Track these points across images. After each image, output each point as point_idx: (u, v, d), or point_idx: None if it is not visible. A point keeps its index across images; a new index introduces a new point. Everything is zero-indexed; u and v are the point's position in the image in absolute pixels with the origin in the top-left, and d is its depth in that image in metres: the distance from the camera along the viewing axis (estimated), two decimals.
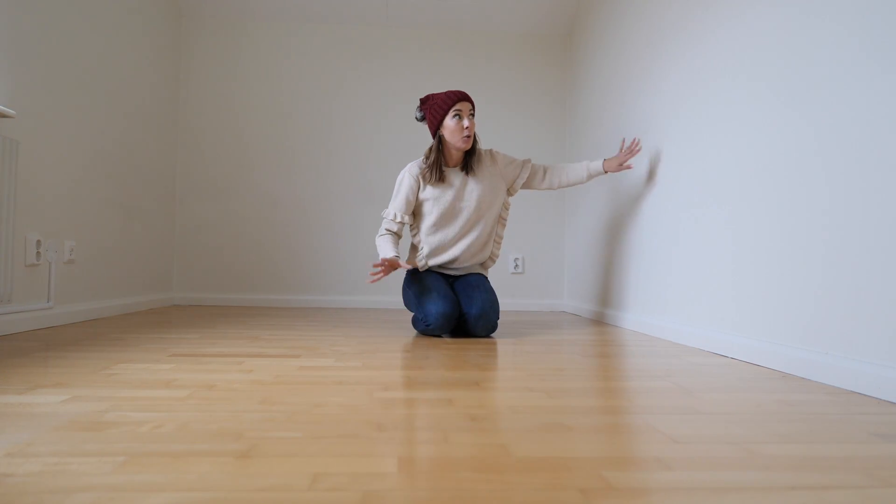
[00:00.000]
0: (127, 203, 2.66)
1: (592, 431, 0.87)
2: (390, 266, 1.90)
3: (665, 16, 2.13)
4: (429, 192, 2.06)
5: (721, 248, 1.73)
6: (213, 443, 0.77)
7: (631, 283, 2.39)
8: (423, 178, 2.06)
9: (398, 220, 2.07)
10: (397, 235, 2.09)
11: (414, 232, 2.14)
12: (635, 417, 0.96)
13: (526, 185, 2.19)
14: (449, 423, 0.90)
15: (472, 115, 1.99)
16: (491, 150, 2.14)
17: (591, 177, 2.19)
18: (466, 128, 1.96)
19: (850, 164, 1.24)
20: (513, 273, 3.37)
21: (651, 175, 2.21)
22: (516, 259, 3.37)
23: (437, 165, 2.03)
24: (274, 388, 1.12)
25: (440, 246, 2.09)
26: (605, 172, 2.17)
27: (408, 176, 2.07)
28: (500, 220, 2.17)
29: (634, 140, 2.14)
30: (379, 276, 1.88)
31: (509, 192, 2.17)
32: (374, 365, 1.41)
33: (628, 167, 2.15)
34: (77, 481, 0.63)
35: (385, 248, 2.02)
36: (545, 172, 2.19)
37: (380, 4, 3.23)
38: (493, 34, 3.40)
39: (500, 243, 2.18)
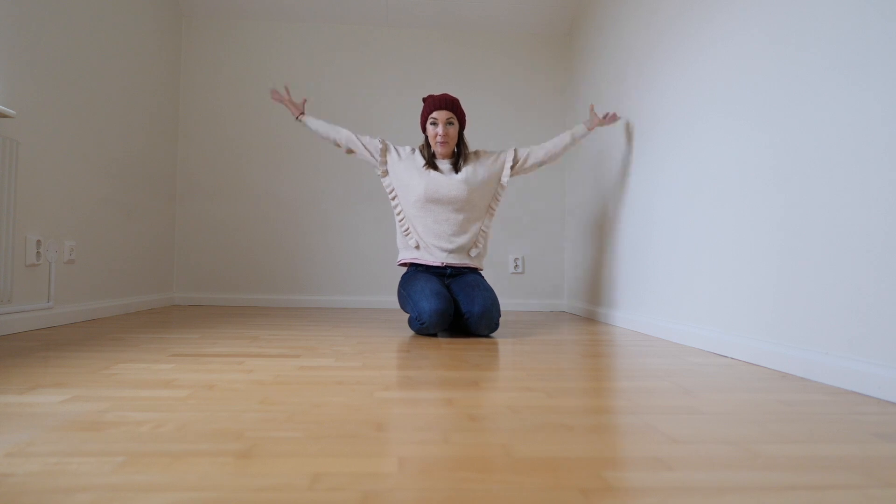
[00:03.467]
0: (127, 203, 2.66)
1: (592, 431, 0.87)
2: (287, 98, 2.36)
3: (664, 16, 2.13)
4: (411, 171, 2.18)
5: (721, 247, 1.73)
6: (213, 443, 0.77)
7: (631, 283, 2.39)
8: (411, 154, 2.23)
9: (376, 138, 2.26)
10: (349, 141, 2.26)
11: (400, 214, 2.23)
12: (635, 417, 0.96)
13: (517, 171, 2.29)
14: (449, 423, 0.90)
15: (452, 123, 2.15)
16: (476, 151, 2.29)
17: (575, 139, 2.32)
18: (438, 135, 2.13)
19: (847, 167, 1.24)
20: (513, 273, 3.37)
21: (652, 175, 2.21)
22: (516, 259, 3.37)
23: (430, 155, 2.21)
24: (274, 388, 1.12)
25: (423, 227, 2.17)
26: (590, 130, 2.34)
27: (408, 147, 2.28)
28: (489, 211, 2.25)
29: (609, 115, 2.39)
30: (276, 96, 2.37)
31: (501, 184, 2.27)
32: (374, 365, 1.41)
33: (613, 118, 2.37)
34: (77, 481, 0.63)
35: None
36: (529, 153, 2.30)
37: (380, 4, 3.23)
38: (492, 34, 3.40)
39: (486, 234, 2.24)
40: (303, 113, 2.36)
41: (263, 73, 3.31)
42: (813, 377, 1.30)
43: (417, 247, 2.18)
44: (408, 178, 2.18)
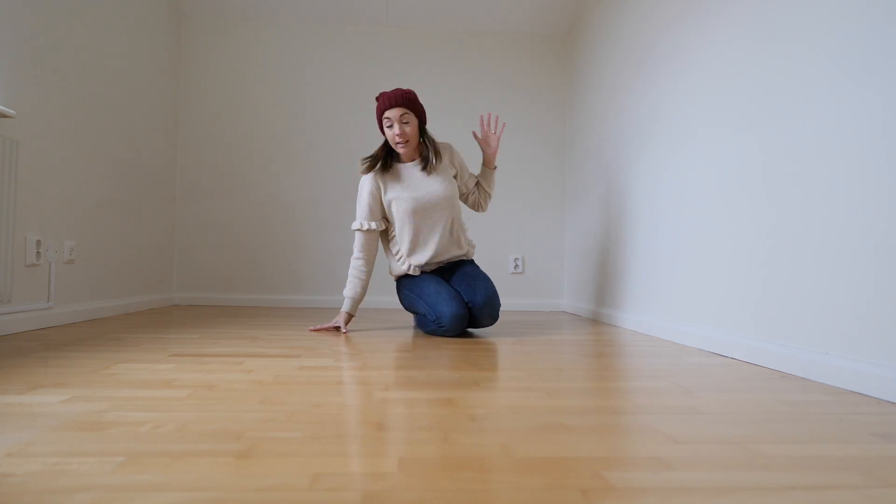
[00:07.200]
0: (127, 203, 2.66)
1: (592, 431, 0.87)
2: (330, 330, 2.04)
3: (664, 16, 2.13)
4: (392, 194, 2.07)
5: (721, 247, 1.73)
6: (213, 443, 0.77)
7: (631, 283, 2.39)
8: (377, 176, 2.08)
9: (364, 227, 2.08)
10: (369, 253, 2.08)
11: (392, 236, 2.14)
12: (635, 417, 0.96)
13: (462, 196, 2.22)
14: (449, 423, 0.90)
15: (407, 121, 2.00)
16: (451, 146, 2.17)
17: (489, 183, 2.22)
18: (396, 136, 2.00)
19: (847, 167, 1.24)
20: (513, 273, 3.37)
21: (652, 175, 2.21)
22: (516, 259, 3.37)
23: (381, 158, 2.07)
24: (274, 388, 1.12)
25: (413, 244, 2.09)
26: (491, 167, 2.20)
27: (365, 181, 2.10)
28: (456, 206, 2.15)
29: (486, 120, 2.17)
30: (318, 331, 2.01)
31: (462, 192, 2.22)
32: (374, 365, 1.41)
33: (486, 145, 2.17)
34: (77, 481, 0.63)
35: (348, 289, 2.06)
36: (475, 196, 2.24)
37: (380, 4, 3.23)
38: (492, 34, 3.40)
39: (465, 229, 2.19)
40: (347, 322, 2.08)
41: (263, 73, 3.30)
42: (813, 377, 1.30)
43: (413, 268, 2.11)
44: (394, 204, 2.07)
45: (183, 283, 3.23)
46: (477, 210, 2.27)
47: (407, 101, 1.99)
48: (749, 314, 1.58)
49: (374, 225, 2.08)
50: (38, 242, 1.98)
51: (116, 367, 1.30)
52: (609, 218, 2.66)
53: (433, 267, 2.14)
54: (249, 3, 3.22)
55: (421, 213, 2.06)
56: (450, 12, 3.28)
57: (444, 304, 1.93)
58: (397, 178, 2.08)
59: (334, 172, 3.31)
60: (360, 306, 3.24)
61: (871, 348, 1.17)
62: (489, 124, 2.16)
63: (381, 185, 2.08)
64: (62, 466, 0.67)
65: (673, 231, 2.03)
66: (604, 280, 2.72)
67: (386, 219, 2.13)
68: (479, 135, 2.18)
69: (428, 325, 2.00)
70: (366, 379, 1.24)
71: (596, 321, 2.71)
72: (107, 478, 0.64)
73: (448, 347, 1.74)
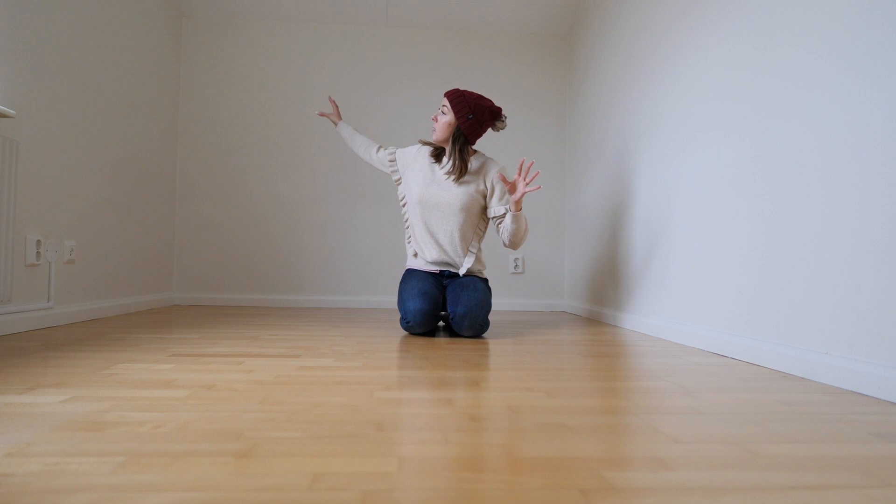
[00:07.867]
0: (127, 203, 2.66)
1: (592, 431, 0.87)
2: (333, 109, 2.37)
3: (664, 16, 2.13)
4: (411, 168, 2.16)
5: (721, 248, 1.73)
6: (213, 443, 0.77)
7: (631, 283, 2.39)
8: (420, 150, 2.17)
9: (386, 147, 2.31)
10: (363, 150, 2.30)
11: (405, 219, 2.21)
12: (635, 417, 0.96)
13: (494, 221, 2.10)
14: (449, 423, 0.90)
15: (444, 113, 2.06)
16: (491, 164, 2.10)
17: (511, 220, 1.98)
18: (432, 119, 2.11)
19: (845, 167, 1.24)
20: (513, 273, 3.37)
21: (652, 175, 2.21)
22: (516, 259, 3.37)
23: (438, 147, 2.15)
24: (274, 388, 1.12)
25: (416, 235, 2.14)
26: (516, 209, 1.96)
27: (414, 147, 2.23)
28: (477, 232, 2.13)
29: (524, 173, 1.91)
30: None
31: (485, 217, 2.12)
32: (374, 365, 1.41)
33: (511, 190, 1.93)
34: (77, 481, 0.63)
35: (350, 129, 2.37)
36: (499, 225, 2.06)
37: (380, 4, 3.23)
38: (493, 34, 3.40)
39: (475, 253, 2.11)
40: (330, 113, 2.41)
41: (263, 73, 3.30)
42: (813, 377, 1.30)
43: (416, 255, 2.17)
44: (411, 181, 2.13)
45: (183, 283, 3.23)
46: (504, 244, 2.08)
47: (451, 95, 2.06)
48: (749, 314, 1.58)
49: (382, 154, 2.25)
50: (38, 242, 1.98)
51: (116, 367, 1.30)
52: (609, 218, 2.66)
53: (432, 267, 2.14)
54: (249, 2, 3.22)
55: (425, 208, 2.09)
56: (450, 12, 3.28)
57: (411, 300, 1.95)
58: (428, 166, 2.12)
59: (334, 172, 3.31)
60: (357, 306, 3.24)
61: (871, 348, 1.17)
62: (525, 173, 1.91)
63: (411, 156, 2.19)
64: (62, 466, 0.67)
65: (673, 231, 2.03)
66: (604, 280, 2.72)
67: (392, 171, 2.24)
68: (510, 178, 2.02)
69: (401, 323, 2.02)
70: (366, 379, 1.24)
71: (596, 321, 2.71)
72: (107, 478, 0.64)
73: (448, 348, 1.74)
